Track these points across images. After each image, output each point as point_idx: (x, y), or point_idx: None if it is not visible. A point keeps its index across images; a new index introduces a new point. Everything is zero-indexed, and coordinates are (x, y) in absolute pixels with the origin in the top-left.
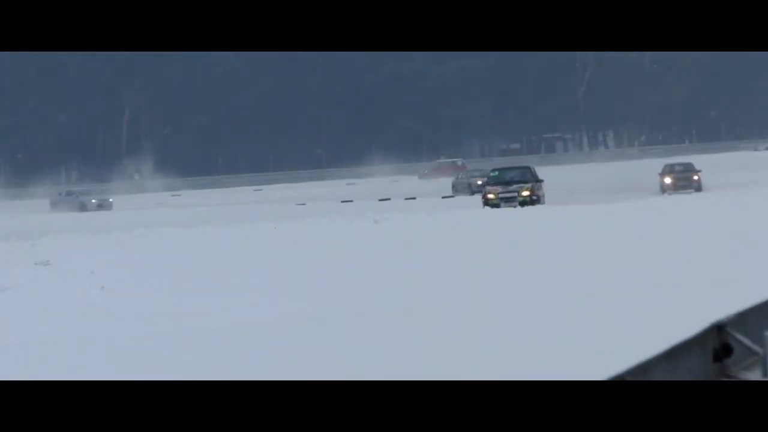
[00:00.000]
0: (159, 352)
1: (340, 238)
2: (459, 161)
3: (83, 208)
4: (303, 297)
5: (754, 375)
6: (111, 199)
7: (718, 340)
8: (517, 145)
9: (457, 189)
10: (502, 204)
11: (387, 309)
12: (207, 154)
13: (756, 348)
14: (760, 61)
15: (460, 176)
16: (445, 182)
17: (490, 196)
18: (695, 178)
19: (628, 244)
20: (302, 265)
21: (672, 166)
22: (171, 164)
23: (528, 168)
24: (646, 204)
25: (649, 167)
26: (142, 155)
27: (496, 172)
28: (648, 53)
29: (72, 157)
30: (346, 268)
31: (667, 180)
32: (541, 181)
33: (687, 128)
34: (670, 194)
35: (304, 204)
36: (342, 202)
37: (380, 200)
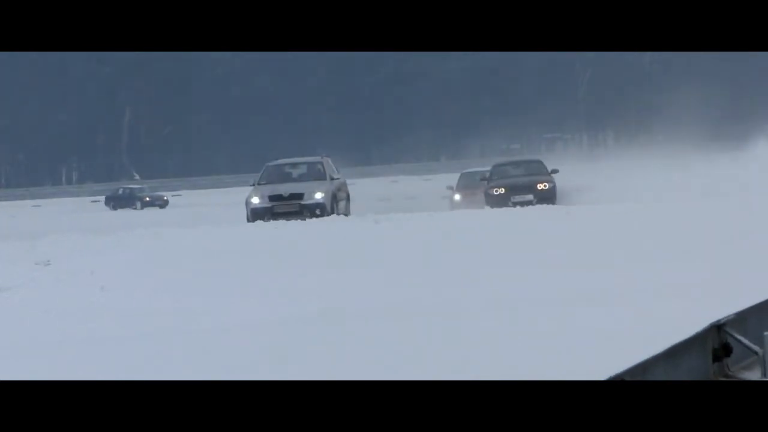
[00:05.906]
0: (159, 352)
1: (341, 238)
2: None
3: (141, 206)
4: (303, 297)
5: (754, 375)
6: (166, 197)
7: (717, 339)
8: (517, 145)
9: None
10: None
11: (387, 309)
12: (207, 154)
13: (755, 348)
14: (760, 61)
15: None
16: None
17: None
18: (539, 187)
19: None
20: (303, 265)
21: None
22: (171, 164)
23: None
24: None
25: (648, 167)
26: (142, 155)
27: None
28: (648, 53)
29: (72, 157)
30: (345, 268)
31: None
32: None
33: (687, 128)
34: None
35: None
36: None
37: (380, 200)
